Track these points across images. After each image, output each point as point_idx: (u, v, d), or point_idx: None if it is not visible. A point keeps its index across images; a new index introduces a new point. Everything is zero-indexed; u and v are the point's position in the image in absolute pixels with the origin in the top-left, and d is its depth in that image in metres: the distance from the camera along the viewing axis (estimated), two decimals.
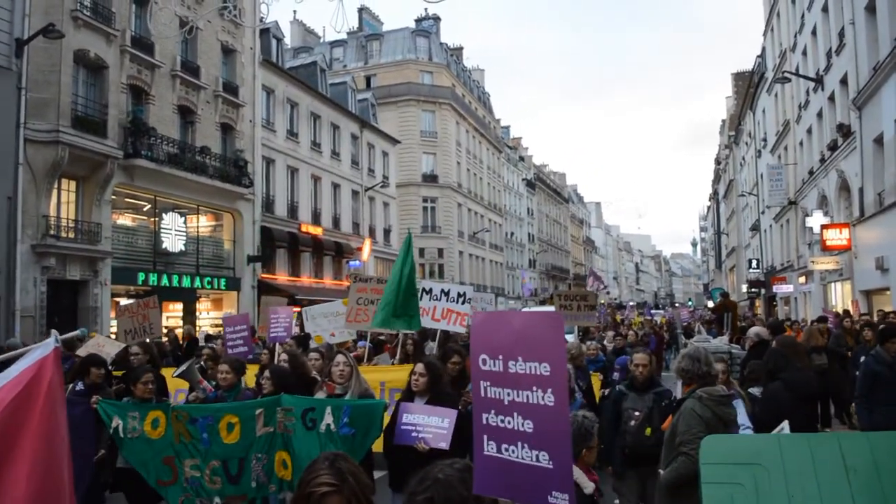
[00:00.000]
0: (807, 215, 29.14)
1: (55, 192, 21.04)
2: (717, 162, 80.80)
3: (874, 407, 7.48)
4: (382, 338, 14.62)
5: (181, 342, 17.81)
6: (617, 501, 6.82)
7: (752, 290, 48.33)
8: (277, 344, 11.46)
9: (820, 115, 27.48)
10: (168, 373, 9.29)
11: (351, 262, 37.26)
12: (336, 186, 38.77)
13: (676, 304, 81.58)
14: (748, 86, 49.91)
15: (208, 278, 27.57)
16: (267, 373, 6.97)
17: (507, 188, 70.25)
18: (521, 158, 78.77)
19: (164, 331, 19.85)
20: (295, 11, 65.73)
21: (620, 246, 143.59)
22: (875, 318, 16.38)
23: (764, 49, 42.30)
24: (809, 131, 29.74)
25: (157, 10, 24.40)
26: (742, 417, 6.22)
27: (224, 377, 7.32)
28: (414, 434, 5.63)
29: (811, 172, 29.44)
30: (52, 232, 20.53)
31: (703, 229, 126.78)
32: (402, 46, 55.49)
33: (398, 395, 8.62)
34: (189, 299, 26.98)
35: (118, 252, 23.51)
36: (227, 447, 5.97)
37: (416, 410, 5.80)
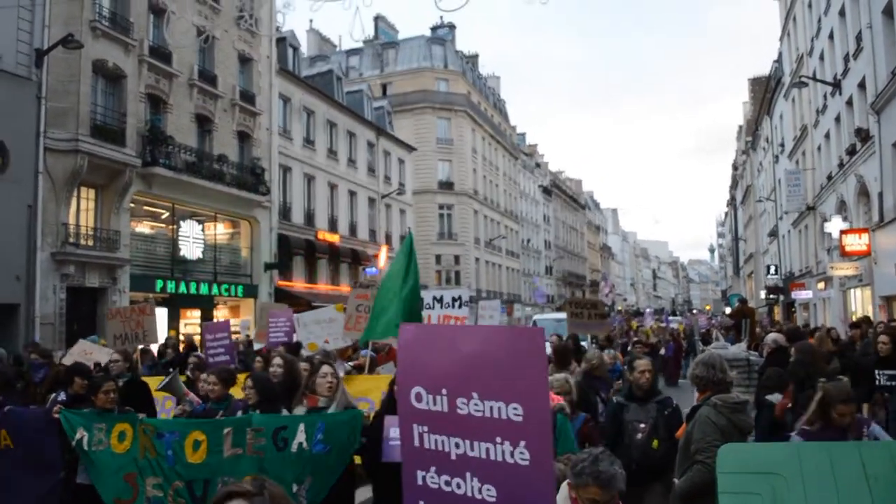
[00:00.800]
0: (825, 220, 28.88)
1: (74, 200, 21.25)
2: (735, 167, 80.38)
3: None
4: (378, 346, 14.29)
5: (181, 350, 17.73)
6: None
7: (771, 296, 47.96)
8: (272, 351, 10.93)
9: (838, 119, 27.26)
10: (155, 383, 8.81)
11: (367, 269, 37.31)
12: (352, 194, 38.87)
13: (694, 311, 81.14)
14: (765, 91, 49.63)
15: (226, 285, 27.70)
16: (249, 381, 6.44)
17: (523, 195, 70.16)
18: (538, 165, 78.66)
19: (164, 338, 19.84)
20: (311, 20, 66.15)
21: (637, 252, 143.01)
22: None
23: (780, 53, 42.05)
24: (827, 136, 29.50)
25: (175, 20, 24.59)
26: None
27: (212, 388, 6.78)
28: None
29: (829, 177, 29.20)
30: (71, 240, 20.72)
31: (720, 235, 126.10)
32: (417, 54, 55.59)
33: None
34: (206, 307, 27.10)
35: (137, 260, 23.68)
36: (191, 467, 5.60)
37: None
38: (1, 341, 14.39)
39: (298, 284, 32.64)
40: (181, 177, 24.47)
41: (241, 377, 8.42)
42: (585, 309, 12.66)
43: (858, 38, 23.23)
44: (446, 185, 53.12)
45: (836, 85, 26.69)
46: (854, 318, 20.20)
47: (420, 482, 2.49)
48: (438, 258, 51.73)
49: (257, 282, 29.46)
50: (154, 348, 14.40)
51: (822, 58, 29.92)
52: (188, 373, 9.57)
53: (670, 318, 51.93)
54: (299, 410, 5.92)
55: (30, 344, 14.49)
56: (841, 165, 26.78)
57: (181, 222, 26.10)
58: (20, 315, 19.01)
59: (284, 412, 5.90)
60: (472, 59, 63.51)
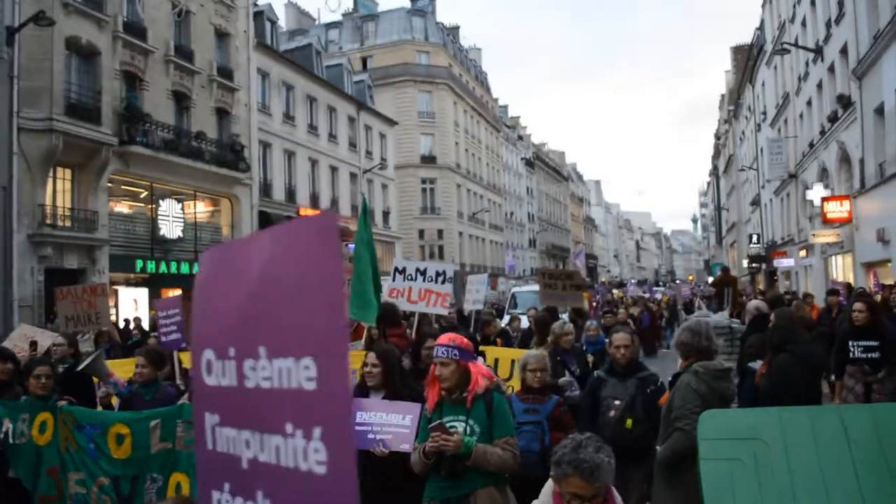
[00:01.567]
0: (807, 188, 28.99)
1: (51, 180, 20.94)
2: (717, 137, 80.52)
3: None
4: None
5: (133, 331, 17.22)
6: None
7: (753, 264, 48.27)
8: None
9: (820, 86, 27.26)
10: (118, 365, 8.22)
11: (350, 245, 37.08)
12: (334, 169, 38.61)
13: (677, 281, 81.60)
14: (747, 59, 49.58)
15: None
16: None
17: (506, 168, 70.02)
18: (520, 137, 78.46)
19: (128, 320, 19.50)
20: None
21: (621, 224, 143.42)
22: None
23: (763, 21, 41.95)
24: (809, 103, 29.53)
25: None
26: None
27: (140, 371, 6.17)
28: (371, 436, 4.82)
29: (811, 145, 29.27)
30: (48, 221, 20.45)
31: (703, 205, 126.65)
32: (397, 27, 55.10)
33: None
34: (188, 286, 26.82)
35: (116, 240, 23.42)
36: (116, 463, 5.15)
37: (371, 408, 4.94)
38: None
39: None
40: (159, 155, 24.16)
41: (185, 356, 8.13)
42: (560, 280, 11.94)
43: (840, 4, 23.16)
44: (429, 159, 52.91)
45: (818, 51, 26.66)
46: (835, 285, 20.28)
47: None
48: (422, 233, 51.64)
49: None
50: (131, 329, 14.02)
51: (803, 24, 29.87)
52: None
53: (654, 288, 52.27)
54: None
55: None
56: (823, 133, 26.83)
57: (160, 201, 25.81)
58: None
59: None
60: (454, 32, 62.99)
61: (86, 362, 6.92)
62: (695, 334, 5.14)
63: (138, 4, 24.30)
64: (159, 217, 25.69)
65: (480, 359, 6.66)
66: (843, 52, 23.33)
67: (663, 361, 19.83)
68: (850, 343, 7.95)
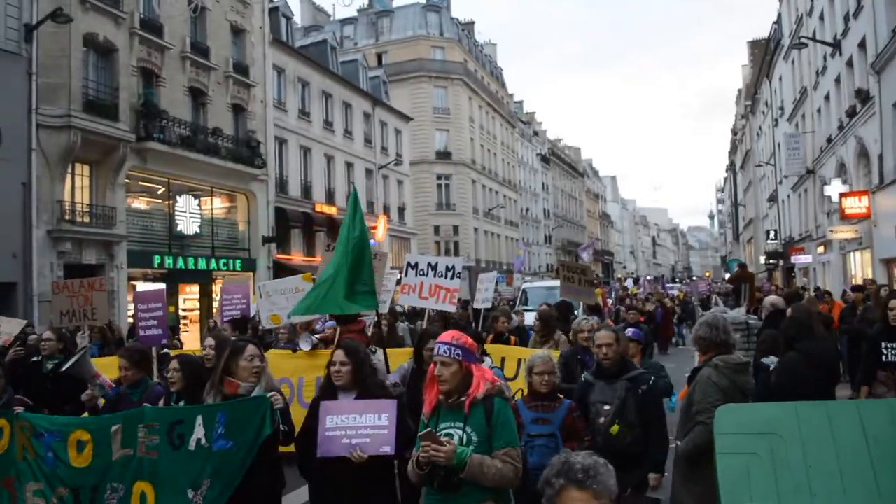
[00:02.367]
0: (825, 184, 28.77)
1: (69, 176, 21.10)
2: (734, 132, 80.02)
3: None
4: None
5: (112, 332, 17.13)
6: None
7: (771, 261, 47.96)
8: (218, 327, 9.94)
9: (838, 80, 27.03)
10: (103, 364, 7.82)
11: (375, 241, 37.23)
12: (349, 165, 38.70)
13: (694, 278, 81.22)
14: (764, 53, 49.21)
15: (224, 260, 27.64)
16: (175, 363, 5.44)
17: (521, 163, 69.90)
18: (536, 133, 78.29)
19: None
20: None
21: (637, 220, 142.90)
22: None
23: (780, 15, 41.63)
24: (827, 98, 29.28)
25: None
26: None
27: (123, 374, 5.90)
28: (345, 441, 4.36)
29: (829, 140, 29.03)
30: (67, 217, 20.61)
31: (720, 201, 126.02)
32: (412, 22, 55.10)
33: None
34: (205, 281, 27.07)
35: (133, 235, 23.58)
36: (76, 472, 4.79)
37: (343, 410, 4.48)
38: None
39: (297, 257, 32.60)
40: (176, 151, 24.29)
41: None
42: (576, 274, 11.77)
43: None
44: (444, 155, 52.91)
45: (836, 45, 26.43)
46: (855, 281, 20.15)
47: None
48: (437, 229, 51.66)
49: (255, 255, 29.39)
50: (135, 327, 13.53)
51: (821, 18, 29.60)
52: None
53: (669, 285, 52.05)
54: (211, 399, 4.85)
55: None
56: (841, 127, 26.60)
57: (177, 197, 25.96)
58: (18, 293, 18.97)
59: (209, 400, 4.87)
60: (468, 27, 62.92)
61: (70, 362, 6.55)
62: (712, 328, 5.13)
63: (154, 1, 24.42)
64: (176, 213, 25.84)
65: (487, 360, 6.39)
66: (862, 46, 23.11)
67: (677, 358, 19.77)
68: (884, 345, 7.05)
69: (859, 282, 19.74)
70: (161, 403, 5.32)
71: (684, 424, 4.96)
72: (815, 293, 18.91)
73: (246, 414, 4.44)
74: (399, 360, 7.38)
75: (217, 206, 28.79)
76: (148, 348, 7.01)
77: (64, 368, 6.76)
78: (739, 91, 73.78)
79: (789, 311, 7.50)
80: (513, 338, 10.42)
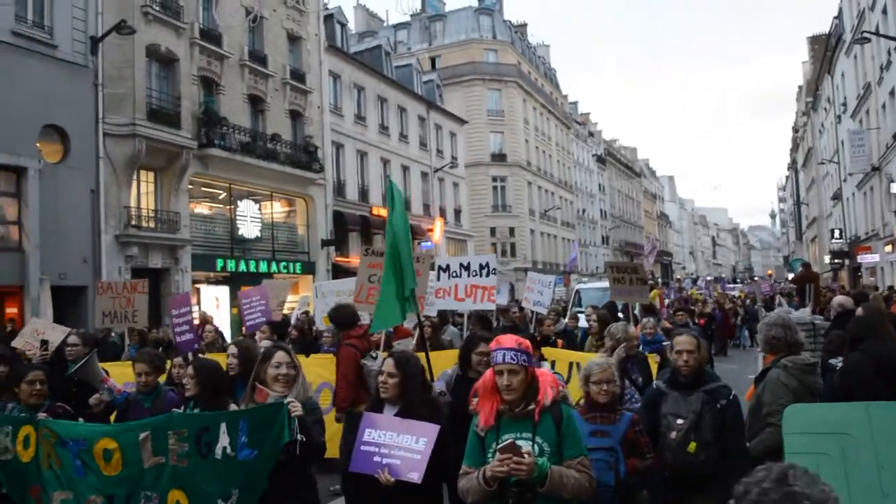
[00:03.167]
0: (892, 181, 27.94)
1: (135, 183, 21.75)
2: (795, 130, 78.16)
3: None
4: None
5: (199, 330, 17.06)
6: None
7: (836, 260, 46.70)
8: (258, 332, 9.64)
9: None
10: (117, 370, 7.75)
11: (423, 244, 37.43)
12: (405, 168, 38.96)
13: (755, 278, 79.54)
14: (825, 49, 48.00)
15: (284, 263, 28.09)
16: (190, 370, 5.15)
17: (577, 164, 69.40)
18: (591, 134, 77.67)
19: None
20: None
21: (695, 220, 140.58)
22: None
23: (840, 9, 40.58)
24: (892, 93, 28.45)
25: (223, 1, 24.83)
26: None
27: (143, 380, 5.65)
28: (377, 459, 4.13)
29: (895, 137, 28.20)
30: (133, 222, 21.23)
31: (781, 200, 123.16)
32: (465, 26, 55.19)
33: None
34: None
35: (197, 240, 24.16)
36: (108, 480, 4.61)
37: (382, 425, 4.26)
38: (73, 323, 14.76)
39: (355, 260, 32.87)
40: (236, 157, 24.81)
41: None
42: (627, 273, 11.14)
43: None
44: (499, 157, 52.86)
45: None
46: None
47: None
48: (493, 230, 51.63)
49: (314, 259, 29.81)
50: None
51: (884, 11, 28.78)
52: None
53: (729, 285, 51.05)
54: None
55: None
56: None
57: (238, 202, 26.52)
58: (88, 297, 19.57)
59: (233, 407, 4.73)
60: (521, 29, 62.78)
61: (78, 365, 6.29)
62: (787, 329, 5.04)
63: (214, 12, 24.99)
64: (238, 217, 26.38)
65: (545, 364, 6.08)
66: None
67: (738, 360, 19.38)
68: None
69: None
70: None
71: (752, 425, 4.90)
72: (887, 292, 18.38)
73: (266, 421, 4.22)
74: (443, 363, 7.04)
75: (277, 210, 29.29)
76: (192, 350, 6.84)
77: (70, 373, 6.56)
78: (800, 88, 72.05)
79: (858, 310, 7.31)
80: (560, 341, 10.14)
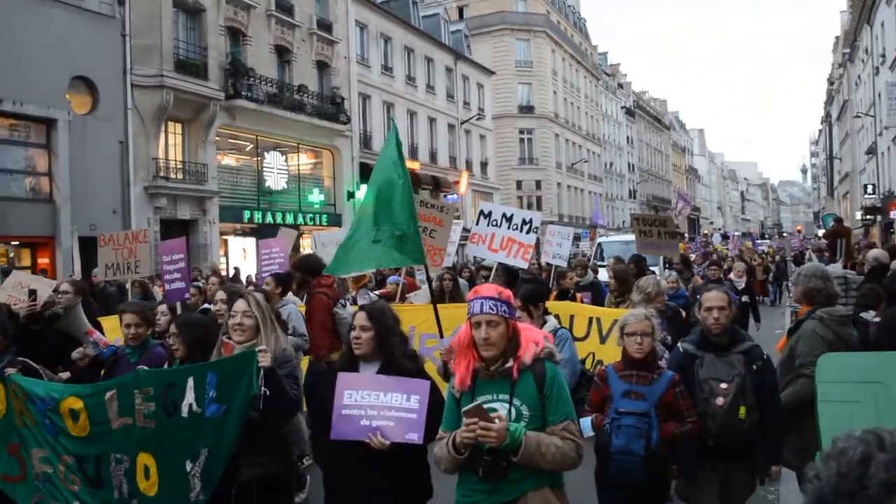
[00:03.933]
0: None
1: (163, 135, 21.85)
2: (830, 82, 76.45)
3: None
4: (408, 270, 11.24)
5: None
6: None
7: (868, 216, 46.02)
8: (264, 285, 8.69)
9: None
10: (109, 323, 7.16)
11: (448, 196, 37.36)
12: (432, 120, 38.73)
13: (784, 234, 78.72)
14: None
15: (311, 215, 28.23)
16: (173, 327, 4.72)
17: (605, 117, 68.58)
18: (620, 86, 76.56)
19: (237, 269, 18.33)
20: None
21: (725, 174, 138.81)
22: None
23: None
24: None
25: None
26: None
27: (134, 332, 5.19)
28: (364, 423, 3.69)
29: None
30: (161, 174, 21.38)
31: (813, 154, 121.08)
32: None
33: (432, 341, 6.56)
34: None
35: (224, 191, 24.31)
36: (76, 441, 4.35)
37: (363, 384, 3.77)
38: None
39: None
40: (263, 108, 24.80)
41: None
42: (654, 227, 10.39)
43: None
44: (526, 109, 52.35)
45: None
46: None
47: None
48: (519, 184, 51.36)
49: (341, 211, 29.90)
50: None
51: None
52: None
53: (758, 241, 50.56)
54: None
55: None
56: None
57: (265, 154, 26.58)
58: None
59: None
60: None
61: (62, 318, 5.76)
62: (826, 280, 4.99)
63: None
64: (264, 169, 26.47)
65: (551, 320, 5.58)
66: None
67: (764, 316, 19.20)
68: None
69: None
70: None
71: (784, 376, 4.87)
72: None
73: (235, 373, 3.88)
74: (457, 319, 6.63)
75: (303, 162, 29.34)
76: (182, 300, 6.23)
77: (56, 324, 6.12)
78: (837, 38, 70.29)
79: (894, 264, 7.22)
80: (578, 295, 9.81)
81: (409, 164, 34.88)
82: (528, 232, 8.50)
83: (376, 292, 8.90)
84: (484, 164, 45.28)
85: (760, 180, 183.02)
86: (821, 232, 49.89)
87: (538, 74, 52.58)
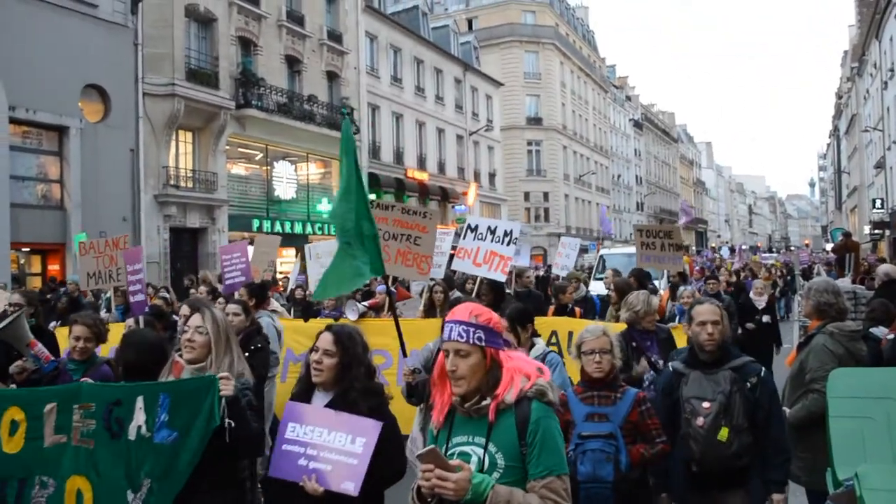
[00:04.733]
0: None
1: (173, 143, 21.97)
2: (838, 96, 76.40)
3: None
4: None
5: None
6: None
7: (876, 231, 45.89)
8: (236, 294, 8.28)
9: None
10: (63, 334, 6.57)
11: (457, 207, 37.43)
12: (441, 131, 38.84)
13: (792, 248, 78.49)
14: (873, 12, 46.66)
15: (319, 224, 28.29)
16: (121, 343, 4.27)
17: (613, 129, 68.63)
18: (628, 98, 76.65)
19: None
20: None
21: (732, 187, 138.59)
22: None
23: None
24: None
25: None
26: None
27: (82, 346, 4.78)
28: (301, 462, 3.30)
29: None
30: (171, 182, 21.49)
31: (821, 168, 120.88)
32: None
33: (380, 358, 6.14)
34: (301, 245, 27.71)
35: (233, 200, 24.42)
36: (4, 459, 3.79)
37: (310, 419, 3.37)
38: None
39: None
40: (273, 118, 24.93)
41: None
42: (659, 238, 9.95)
43: None
44: (534, 121, 52.45)
45: None
46: None
47: None
48: (527, 195, 51.40)
49: None
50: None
51: None
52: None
53: (765, 255, 50.40)
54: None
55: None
56: None
57: (274, 163, 26.70)
58: None
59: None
60: None
61: (3, 324, 5.26)
62: (838, 295, 4.98)
63: None
64: (273, 178, 26.57)
65: (539, 342, 4.99)
66: None
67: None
68: None
69: None
70: None
71: (794, 391, 4.88)
72: None
73: (193, 397, 3.46)
74: (425, 334, 6.14)
75: (312, 171, 29.44)
76: (104, 321, 5.32)
77: None
78: (845, 52, 70.29)
79: None
80: (577, 310, 9.30)
81: (418, 176, 35.06)
82: (507, 244, 8.09)
83: (364, 303, 8.31)
84: (492, 176, 45.36)
85: (768, 194, 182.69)
86: (829, 246, 49.74)
87: (546, 86, 52.71)
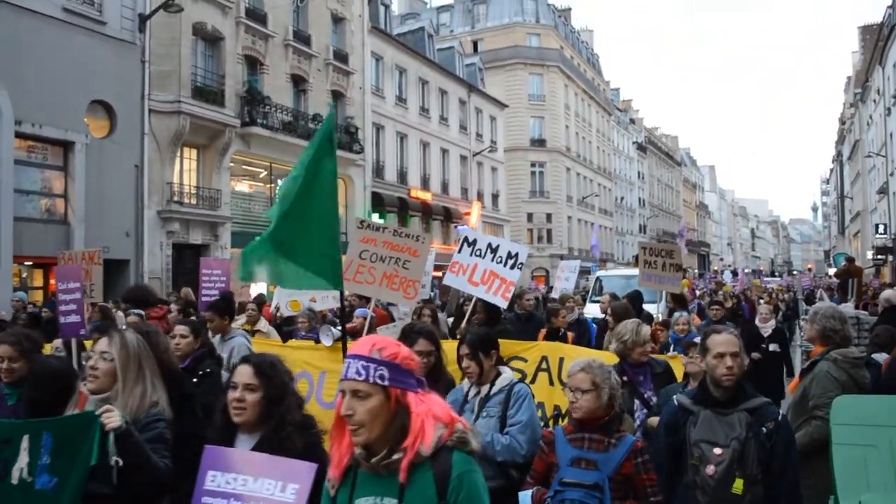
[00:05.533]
0: None
1: (178, 160, 22.05)
2: (842, 121, 76.62)
3: None
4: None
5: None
6: None
7: (879, 256, 45.85)
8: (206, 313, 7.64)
9: None
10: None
11: (459, 227, 37.43)
12: (445, 152, 38.96)
13: (794, 272, 78.38)
14: (877, 39, 46.92)
15: None
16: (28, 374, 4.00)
17: (616, 152, 68.81)
18: (632, 121, 76.93)
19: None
20: None
21: (735, 211, 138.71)
22: None
23: None
24: None
25: None
26: None
27: (8, 366, 4.25)
28: None
29: None
30: (175, 198, 21.55)
31: (824, 193, 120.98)
32: (508, 9, 54.78)
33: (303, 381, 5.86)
34: None
35: (237, 217, 24.44)
36: None
37: (233, 465, 2.74)
38: (114, 296, 15.04)
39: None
40: (278, 136, 25.02)
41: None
42: (660, 257, 9.71)
43: None
44: (538, 143, 52.61)
45: None
46: None
47: None
48: (530, 216, 51.46)
49: (352, 239, 29.96)
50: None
51: None
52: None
53: (766, 279, 50.32)
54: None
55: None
56: None
57: (278, 181, 26.73)
58: (130, 270, 19.95)
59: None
60: (565, 13, 62.16)
61: None
62: (843, 321, 4.96)
63: None
64: (277, 196, 26.60)
65: (506, 371, 4.52)
66: None
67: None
68: None
69: None
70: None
71: (796, 418, 4.85)
72: None
73: (74, 436, 3.03)
74: None
75: None
76: (40, 336, 5.06)
77: None
78: (849, 78, 70.58)
79: None
80: (570, 334, 8.88)
81: (421, 195, 35.12)
82: (512, 267, 7.59)
83: (339, 329, 8.03)
84: (495, 196, 45.44)
85: (771, 218, 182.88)
86: (832, 271, 49.64)
87: (551, 108, 52.93)
